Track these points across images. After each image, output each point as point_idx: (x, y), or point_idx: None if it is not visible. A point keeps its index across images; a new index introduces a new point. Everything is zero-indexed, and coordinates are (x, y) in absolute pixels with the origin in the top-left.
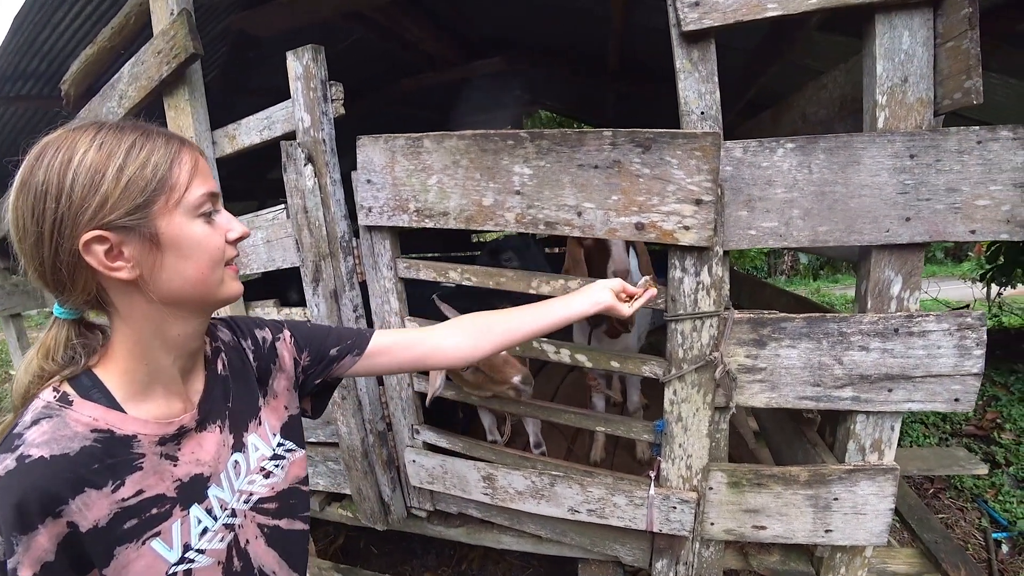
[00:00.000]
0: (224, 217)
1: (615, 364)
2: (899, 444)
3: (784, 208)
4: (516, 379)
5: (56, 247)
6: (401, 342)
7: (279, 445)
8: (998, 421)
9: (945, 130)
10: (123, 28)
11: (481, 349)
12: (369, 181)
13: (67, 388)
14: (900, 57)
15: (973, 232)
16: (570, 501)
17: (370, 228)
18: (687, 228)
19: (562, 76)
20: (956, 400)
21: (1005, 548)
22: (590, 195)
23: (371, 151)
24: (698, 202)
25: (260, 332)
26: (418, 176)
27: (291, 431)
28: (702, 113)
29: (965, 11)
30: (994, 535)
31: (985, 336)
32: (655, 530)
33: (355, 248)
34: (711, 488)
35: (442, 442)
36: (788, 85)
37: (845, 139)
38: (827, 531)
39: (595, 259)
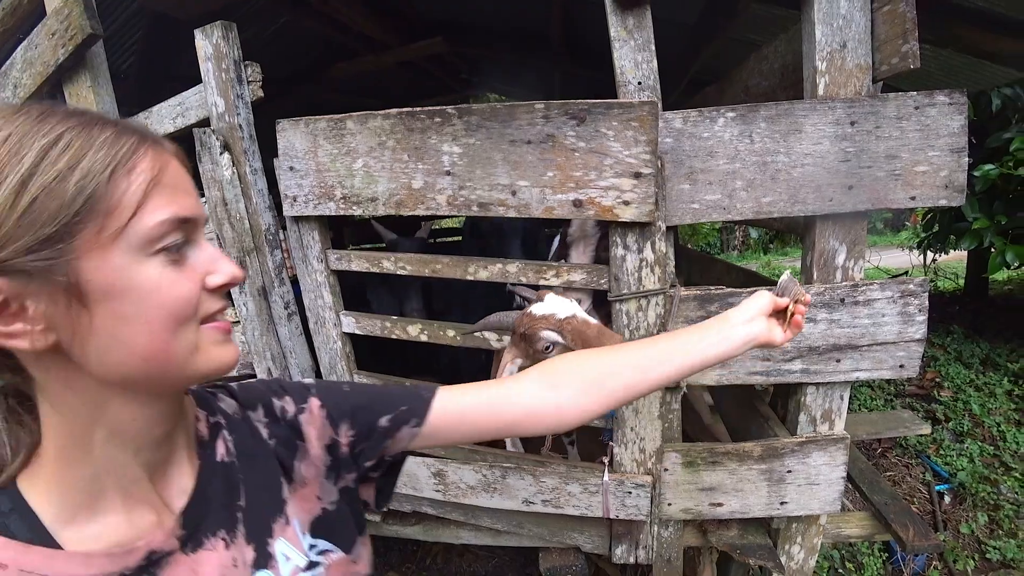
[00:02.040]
0: (205, 253)
1: None
2: (848, 409)
3: (727, 180)
4: None
5: None
6: (478, 405)
7: (311, 547)
8: (937, 380)
9: (884, 96)
10: (16, 8)
11: (593, 409)
12: (292, 168)
13: None
14: (838, 22)
15: (913, 199)
16: (524, 493)
17: (296, 219)
18: (627, 203)
19: (506, 57)
20: (901, 367)
21: (947, 499)
22: (524, 172)
23: (292, 136)
24: (637, 175)
25: (277, 401)
26: (343, 160)
27: (328, 528)
28: (639, 83)
29: None
30: (937, 487)
31: (927, 302)
32: (611, 516)
33: (283, 241)
34: (666, 470)
35: None
36: (731, 60)
37: (786, 107)
38: (782, 503)
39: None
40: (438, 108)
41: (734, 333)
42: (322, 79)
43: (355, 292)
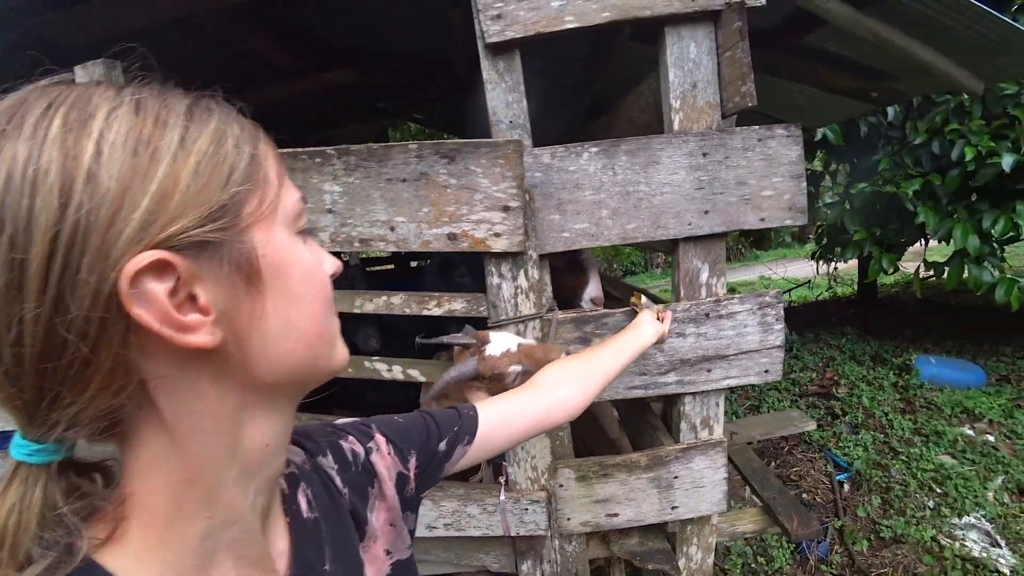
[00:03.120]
0: (313, 243)
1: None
2: (758, 411)
3: (593, 209)
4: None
5: (59, 297)
6: (512, 409)
7: None
8: (835, 378)
9: (731, 130)
10: None
11: (587, 397)
12: None
13: None
14: (689, 65)
15: (763, 220)
16: (425, 518)
17: None
18: (498, 235)
19: (417, 85)
20: (766, 371)
21: (847, 487)
22: (401, 209)
23: None
24: (506, 209)
25: (344, 443)
26: None
27: None
28: (510, 122)
29: (736, 24)
30: (837, 477)
31: (782, 312)
32: (512, 534)
33: None
34: (561, 485)
35: None
36: (622, 92)
37: (644, 141)
38: (673, 508)
39: (566, 283)
40: (318, 149)
41: (648, 330)
42: (232, 106)
43: None
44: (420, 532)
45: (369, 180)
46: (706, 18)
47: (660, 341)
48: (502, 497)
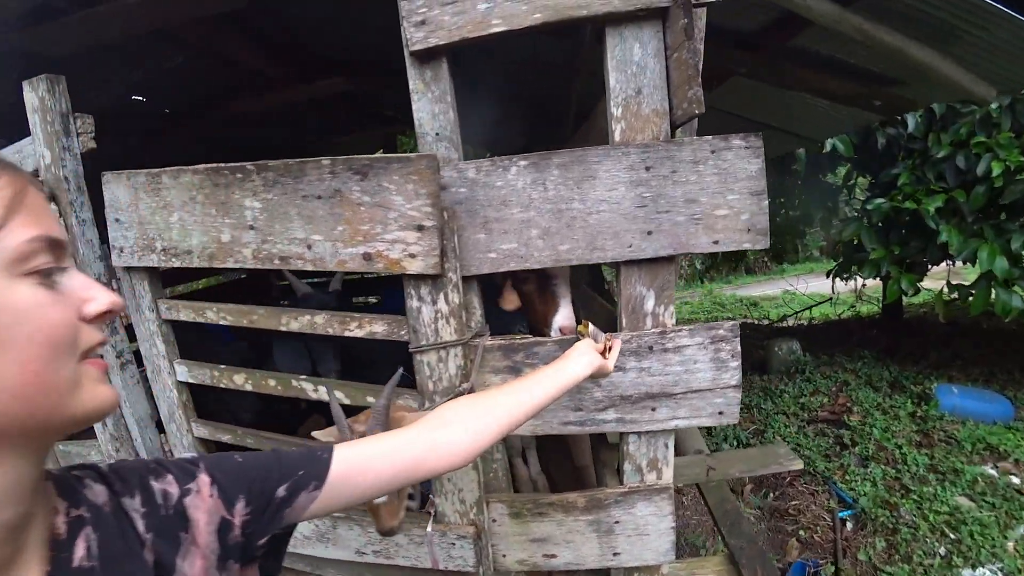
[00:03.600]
0: (79, 280)
1: (371, 399)
2: (762, 435)
3: (522, 229)
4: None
5: None
6: (382, 451)
7: None
8: (848, 405)
9: (679, 141)
10: None
11: (482, 443)
12: (118, 220)
13: None
14: (632, 69)
15: (716, 243)
16: (355, 543)
17: (127, 269)
18: (413, 256)
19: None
20: (720, 413)
21: (850, 525)
22: (317, 227)
23: (116, 188)
24: (420, 228)
25: (158, 483)
26: (161, 214)
27: None
28: (437, 134)
29: (682, 22)
30: (840, 514)
31: (739, 347)
32: (440, 567)
33: (115, 291)
34: (494, 520)
35: None
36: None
37: (579, 154)
38: (615, 554)
39: (536, 309)
40: (239, 164)
41: (580, 362)
42: (225, 113)
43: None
44: (350, 556)
45: (286, 196)
46: (652, 17)
47: (600, 374)
48: (429, 529)
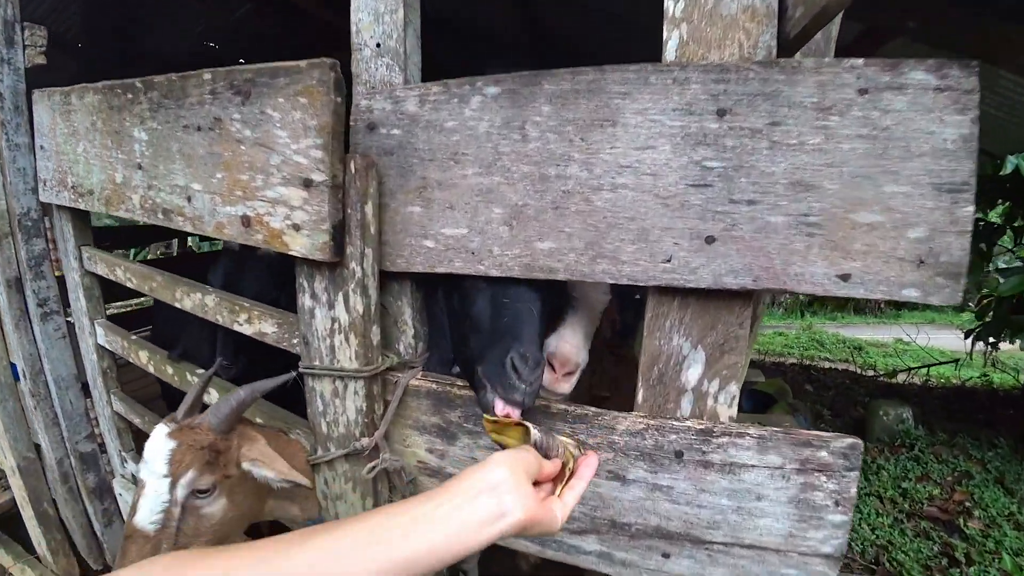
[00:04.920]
0: None
1: (259, 420)
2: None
3: (478, 203)
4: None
5: None
6: None
7: None
8: (967, 504)
9: (793, 63)
10: None
11: None
12: (42, 147)
13: None
14: None
15: (846, 278)
16: None
17: (57, 207)
18: (296, 228)
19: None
20: None
21: None
22: (197, 172)
23: (40, 110)
24: (307, 184)
25: None
26: (71, 142)
27: None
28: (378, 45)
29: None
30: None
31: (853, 489)
32: None
33: (48, 230)
34: None
35: None
36: None
37: (591, 78)
38: None
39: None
40: (129, 82)
41: (490, 506)
42: None
43: None
44: None
45: (169, 126)
46: None
47: (536, 531)
48: None
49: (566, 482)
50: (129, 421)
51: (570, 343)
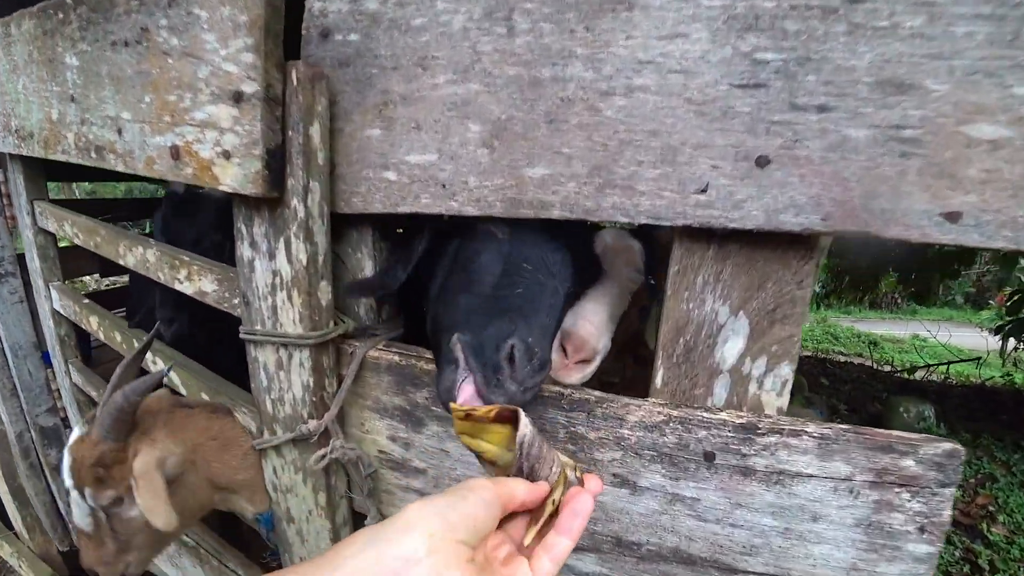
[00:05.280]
0: None
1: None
2: None
3: (451, 121)
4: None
5: None
6: None
7: None
8: (990, 508)
9: None
10: None
11: None
12: None
13: None
14: None
15: (955, 217)
16: None
17: (8, 157)
18: (227, 155)
19: None
20: None
21: None
22: (126, 97)
23: None
24: (238, 97)
25: None
26: (12, 79)
27: None
28: None
29: None
30: None
31: (948, 512)
32: None
33: (2, 183)
34: None
35: None
36: None
37: None
38: None
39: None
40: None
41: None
42: None
43: None
44: None
45: (98, 46)
46: None
47: None
48: None
49: (545, 522)
50: (89, 395)
51: (591, 322)
